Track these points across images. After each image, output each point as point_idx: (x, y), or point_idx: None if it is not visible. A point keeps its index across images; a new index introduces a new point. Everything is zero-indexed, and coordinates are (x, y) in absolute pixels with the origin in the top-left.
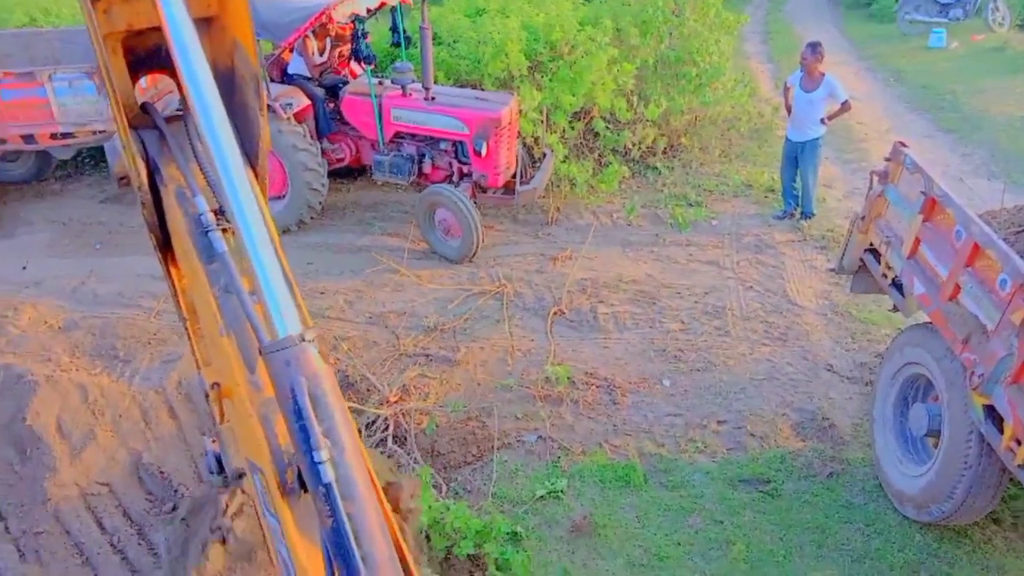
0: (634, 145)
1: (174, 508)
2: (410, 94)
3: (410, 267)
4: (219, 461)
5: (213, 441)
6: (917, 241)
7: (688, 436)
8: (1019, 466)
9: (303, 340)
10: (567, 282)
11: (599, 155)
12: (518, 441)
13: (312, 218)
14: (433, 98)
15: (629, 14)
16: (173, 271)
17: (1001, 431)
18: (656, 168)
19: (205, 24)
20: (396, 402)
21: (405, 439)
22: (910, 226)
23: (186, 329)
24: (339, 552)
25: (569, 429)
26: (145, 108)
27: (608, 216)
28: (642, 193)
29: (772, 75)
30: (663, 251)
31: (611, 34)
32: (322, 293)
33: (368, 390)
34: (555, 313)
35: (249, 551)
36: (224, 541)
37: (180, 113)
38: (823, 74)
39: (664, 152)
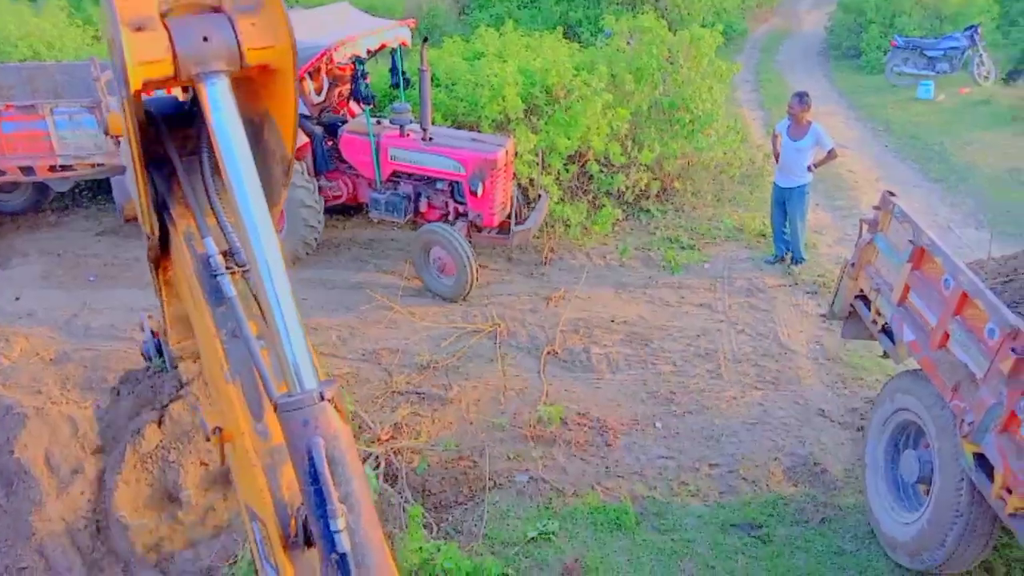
0: (628, 188)
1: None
2: (408, 134)
3: (404, 304)
4: (158, 346)
5: (150, 317)
6: (906, 289)
7: (680, 479)
8: (1010, 515)
9: (322, 398)
10: (560, 322)
11: (593, 197)
12: (510, 481)
13: (308, 254)
14: (431, 138)
15: (624, 60)
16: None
17: (992, 479)
18: (649, 211)
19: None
20: (388, 440)
21: (396, 478)
22: (899, 274)
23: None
24: None
25: (561, 470)
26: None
27: (601, 257)
28: (635, 235)
29: (763, 122)
30: (655, 293)
31: (606, 80)
32: (315, 329)
33: (359, 428)
34: (548, 353)
35: (185, 432)
36: (160, 422)
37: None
38: (810, 123)
39: (657, 196)
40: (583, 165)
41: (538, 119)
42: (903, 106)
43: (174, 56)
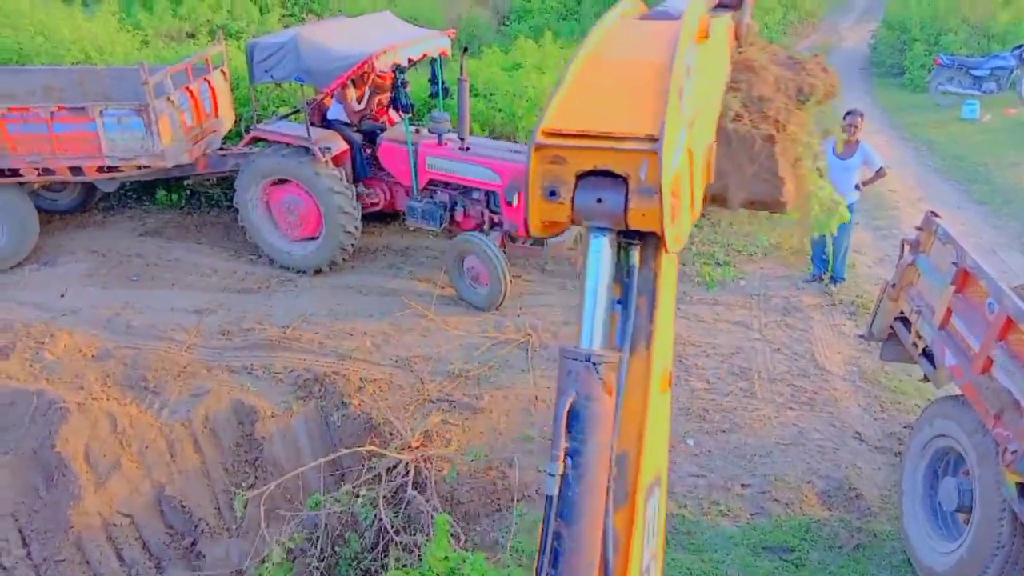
0: None
1: (193, 544)
2: (445, 143)
3: (438, 312)
4: None
5: None
6: (949, 312)
7: (711, 498)
8: None
9: (588, 360)
10: None
11: None
12: (539, 494)
13: (344, 260)
14: (468, 148)
15: None
16: None
17: None
18: None
19: None
20: (418, 447)
21: (425, 486)
22: (941, 296)
23: None
24: (539, 561)
25: None
26: None
27: None
28: None
29: None
30: (690, 309)
31: None
32: (350, 334)
33: (391, 434)
34: None
35: None
36: None
37: None
38: (859, 141)
39: None
40: None
41: None
42: (947, 125)
43: (572, 207)
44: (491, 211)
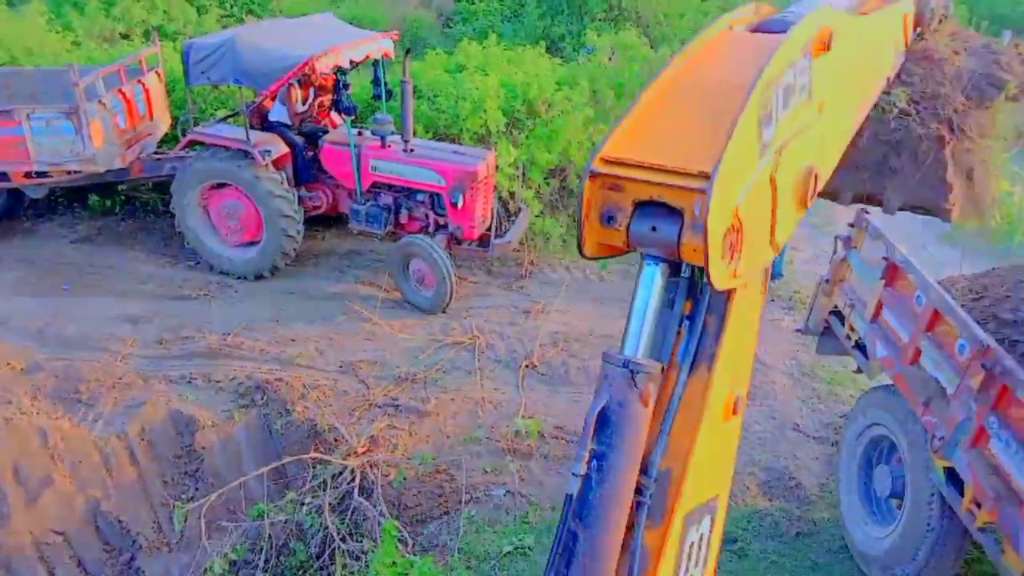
0: None
1: (131, 560)
2: (389, 145)
3: (382, 316)
4: None
5: None
6: (879, 305)
7: None
8: (979, 529)
9: (625, 366)
10: (539, 335)
11: (573, 211)
12: (486, 495)
13: (286, 264)
14: (412, 150)
15: (605, 77)
16: None
17: (962, 494)
18: None
19: None
20: (364, 453)
21: (372, 491)
22: (872, 290)
23: None
24: (551, 557)
25: (538, 484)
26: None
27: (581, 271)
28: None
29: None
30: None
31: (587, 95)
32: (293, 340)
33: (336, 440)
34: (527, 366)
35: None
36: None
37: None
38: None
39: None
40: (564, 179)
41: (519, 133)
42: None
43: (627, 233)
44: (436, 213)
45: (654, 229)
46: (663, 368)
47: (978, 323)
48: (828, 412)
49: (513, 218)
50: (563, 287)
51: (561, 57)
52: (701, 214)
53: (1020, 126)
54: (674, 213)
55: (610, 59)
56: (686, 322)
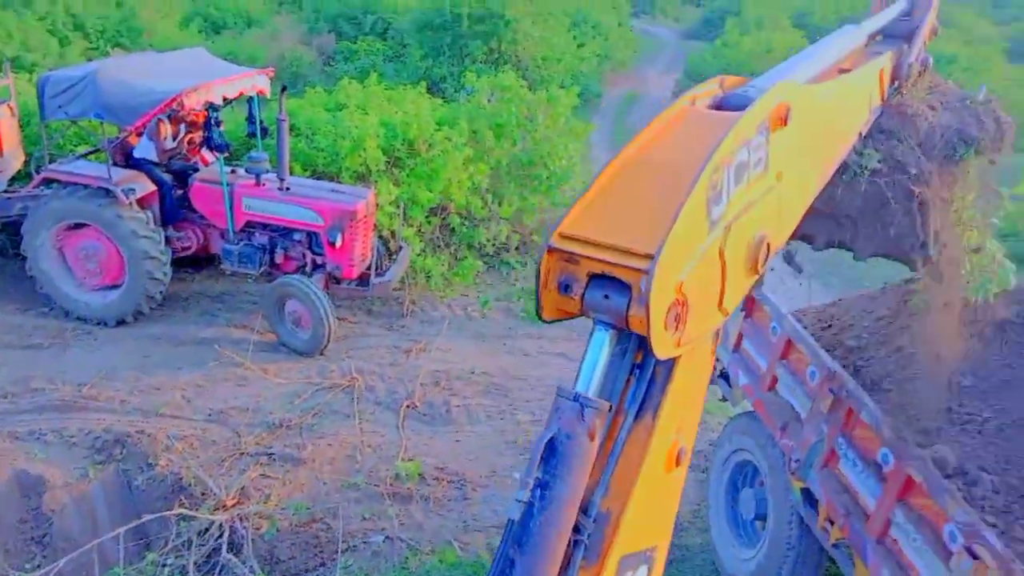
0: (488, 241)
1: None
2: (264, 184)
3: (256, 360)
4: None
5: None
6: (740, 336)
7: None
8: (833, 545)
9: (575, 400)
10: (420, 375)
11: (455, 250)
12: (364, 543)
13: (152, 308)
14: (288, 188)
15: (484, 117)
16: None
17: (817, 512)
18: (510, 263)
19: None
20: (234, 505)
21: (242, 546)
22: (734, 322)
23: None
24: None
25: (418, 527)
26: None
27: (462, 309)
28: (496, 287)
29: None
30: (515, 344)
31: (467, 135)
32: (158, 389)
33: (203, 494)
34: (407, 407)
35: None
36: None
37: None
38: None
39: (517, 248)
40: (445, 218)
41: (400, 171)
42: None
43: (582, 301)
44: (313, 252)
45: (607, 297)
46: (611, 409)
47: (826, 351)
48: (699, 440)
49: (394, 257)
50: (444, 325)
51: (443, 97)
52: (645, 290)
53: (990, 180)
54: (625, 285)
55: (489, 100)
56: (636, 370)
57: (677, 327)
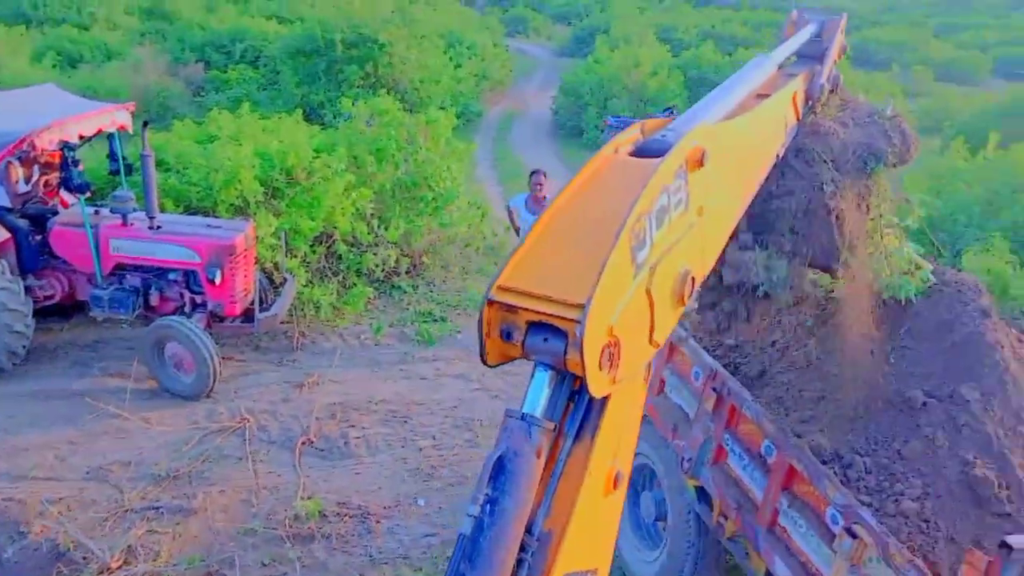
0: (377, 266)
1: None
2: (132, 223)
3: (136, 410)
4: None
5: None
6: None
7: (446, 555)
8: (729, 538)
9: (523, 419)
10: (315, 409)
11: (343, 277)
12: None
13: (15, 365)
14: (159, 227)
15: (364, 142)
16: None
17: (712, 508)
18: (401, 287)
19: None
20: (119, 567)
21: None
22: None
23: None
24: None
25: (322, 568)
26: None
27: (355, 337)
28: (388, 313)
29: (502, 197)
30: (412, 368)
31: (347, 161)
32: (27, 450)
33: (85, 558)
34: (303, 443)
35: None
36: None
37: None
38: (545, 197)
39: (408, 272)
40: (330, 246)
41: (280, 202)
42: None
43: (523, 346)
44: (192, 291)
45: (546, 340)
46: (555, 429)
47: (707, 351)
48: None
49: (279, 289)
50: (337, 355)
51: (321, 124)
52: (580, 338)
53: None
54: (561, 330)
55: (368, 124)
56: (576, 396)
57: (612, 366)
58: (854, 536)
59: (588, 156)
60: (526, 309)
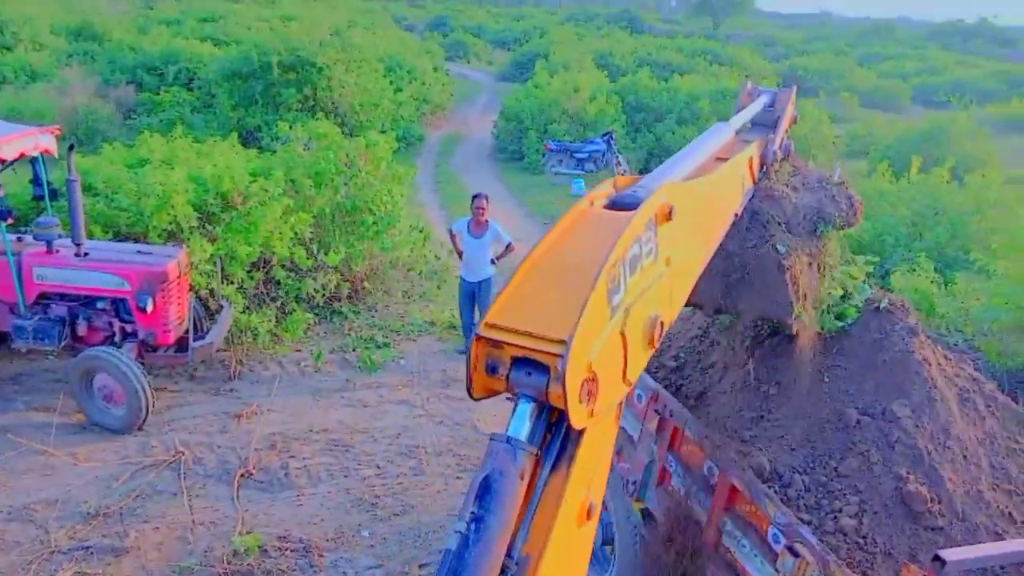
0: (317, 291)
1: None
2: (57, 251)
3: (63, 445)
4: None
5: None
6: None
7: None
8: (675, 560)
9: (508, 442)
10: (254, 439)
11: (282, 303)
12: None
13: None
14: (86, 254)
15: (302, 166)
16: None
17: (658, 531)
18: (342, 312)
19: None
20: None
21: None
22: None
23: None
24: None
25: None
26: None
27: (295, 365)
28: (329, 339)
29: (444, 220)
30: (354, 395)
31: (285, 185)
32: None
33: None
34: (242, 475)
35: None
36: None
37: None
38: (487, 221)
39: (349, 297)
40: (268, 271)
41: (215, 227)
42: (562, 201)
43: (508, 380)
44: (122, 320)
45: (529, 374)
46: (537, 455)
47: (648, 372)
48: None
49: (215, 317)
50: (276, 384)
51: (259, 147)
52: (562, 370)
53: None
54: (544, 365)
55: (306, 148)
56: (554, 427)
57: (590, 399)
58: (796, 555)
59: (528, 179)
60: (511, 344)
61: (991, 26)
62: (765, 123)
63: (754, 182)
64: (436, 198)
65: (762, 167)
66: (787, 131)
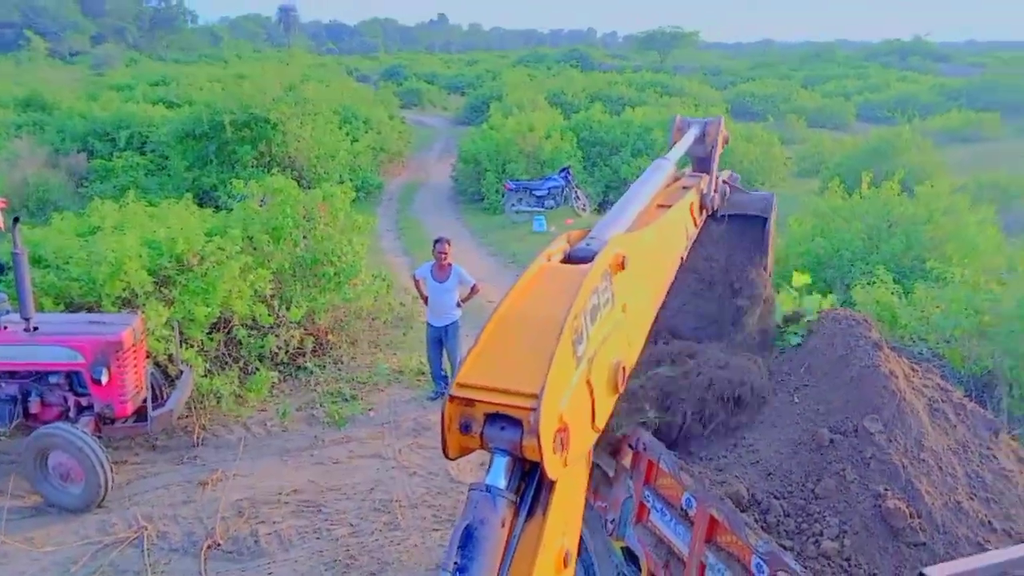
0: (281, 348)
1: None
2: (5, 327)
3: (16, 530)
4: None
5: None
6: None
7: None
8: None
9: (487, 491)
10: (220, 507)
11: (244, 363)
12: None
13: None
14: (35, 328)
15: (259, 222)
16: None
17: (640, 568)
18: (307, 368)
19: None
20: None
21: None
22: None
23: None
24: None
25: None
26: None
27: (261, 425)
28: (295, 396)
29: (408, 266)
30: (324, 453)
31: (241, 242)
32: None
33: None
34: (209, 547)
35: None
36: None
37: None
38: (451, 264)
39: (314, 351)
40: (229, 331)
41: (171, 290)
42: (524, 239)
43: (482, 437)
44: (76, 394)
45: (503, 428)
46: (515, 503)
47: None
48: None
49: (175, 383)
50: (242, 447)
51: (216, 207)
52: (535, 423)
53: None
54: (516, 420)
55: (262, 204)
56: (527, 477)
57: (563, 449)
58: None
59: (489, 219)
60: (483, 401)
61: (926, 43)
62: (700, 155)
63: (697, 227)
64: (399, 244)
65: (702, 211)
66: (721, 151)
